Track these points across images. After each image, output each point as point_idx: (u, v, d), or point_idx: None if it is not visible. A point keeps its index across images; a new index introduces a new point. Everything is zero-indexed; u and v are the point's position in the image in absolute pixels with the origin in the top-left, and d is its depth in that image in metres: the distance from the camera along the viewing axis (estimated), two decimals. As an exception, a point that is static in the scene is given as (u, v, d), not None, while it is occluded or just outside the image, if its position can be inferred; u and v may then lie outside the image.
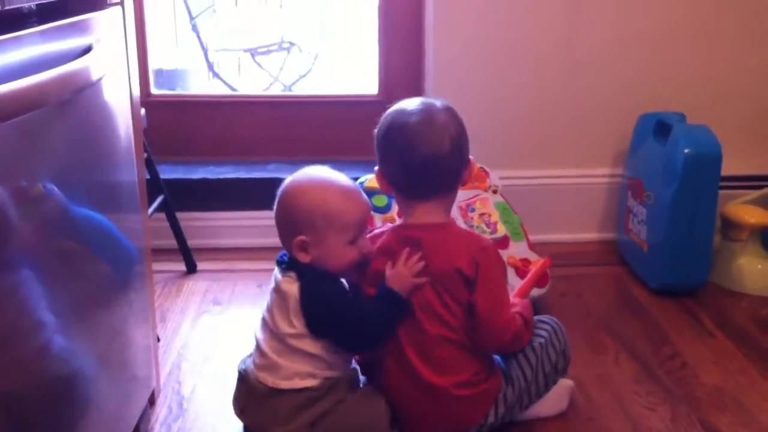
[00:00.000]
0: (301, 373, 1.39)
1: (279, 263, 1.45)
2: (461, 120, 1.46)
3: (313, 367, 1.39)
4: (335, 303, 1.41)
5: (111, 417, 1.27)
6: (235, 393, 1.46)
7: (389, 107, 1.49)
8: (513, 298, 1.51)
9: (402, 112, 1.45)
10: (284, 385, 1.39)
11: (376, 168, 1.49)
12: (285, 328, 1.39)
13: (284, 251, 1.45)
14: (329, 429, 1.39)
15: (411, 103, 1.46)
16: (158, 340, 1.68)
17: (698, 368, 1.71)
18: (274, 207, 1.45)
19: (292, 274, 1.41)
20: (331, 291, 1.42)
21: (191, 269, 2.17)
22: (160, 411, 1.55)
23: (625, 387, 1.64)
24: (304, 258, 1.41)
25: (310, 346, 1.39)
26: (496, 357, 1.51)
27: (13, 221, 0.94)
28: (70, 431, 1.11)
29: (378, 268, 1.45)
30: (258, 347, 1.43)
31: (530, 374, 1.49)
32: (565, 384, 1.57)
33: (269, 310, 1.42)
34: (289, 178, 1.46)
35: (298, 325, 1.38)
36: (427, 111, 1.43)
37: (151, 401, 1.54)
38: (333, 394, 1.40)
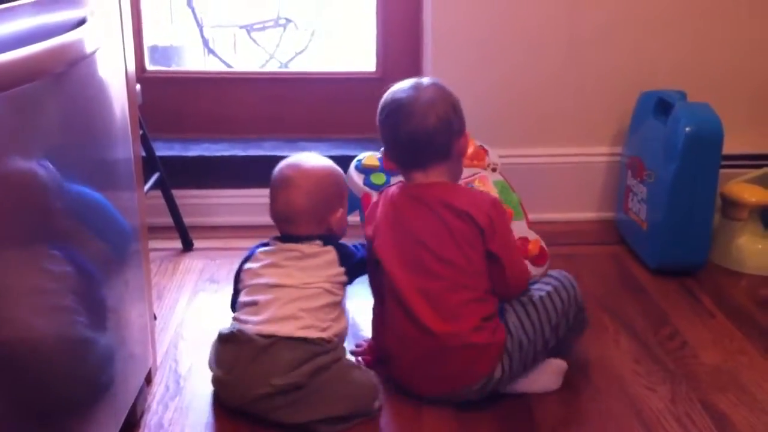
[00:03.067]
0: (315, 326, 1.45)
1: (291, 239, 1.56)
2: (449, 94, 1.57)
3: (326, 321, 1.47)
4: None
5: (109, 394, 1.26)
6: (217, 356, 1.49)
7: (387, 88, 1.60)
8: None
9: (393, 92, 1.57)
10: (299, 333, 1.43)
11: (382, 149, 1.62)
12: (311, 276, 1.50)
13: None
14: (323, 384, 1.43)
15: (402, 83, 1.58)
16: (155, 318, 1.67)
17: (698, 348, 1.71)
18: (296, 196, 1.56)
19: (317, 241, 1.55)
20: (359, 249, 1.62)
21: (187, 247, 2.15)
22: (157, 389, 1.54)
23: (625, 367, 1.64)
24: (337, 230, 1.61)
25: (336, 290, 1.52)
26: None
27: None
28: (67, 410, 1.10)
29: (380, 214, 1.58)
30: (260, 305, 1.48)
31: (530, 328, 1.51)
32: (558, 364, 1.58)
33: (283, 275, 1.50)
34: (301, 165, 1.60)
35: (330, 275, 1.52)
36: (414, 88, 1.56)
37: (148, 380, 1.53)
38: (335, 351, 1.46)
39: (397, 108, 1.54)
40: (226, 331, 1.49)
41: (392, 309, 1.53)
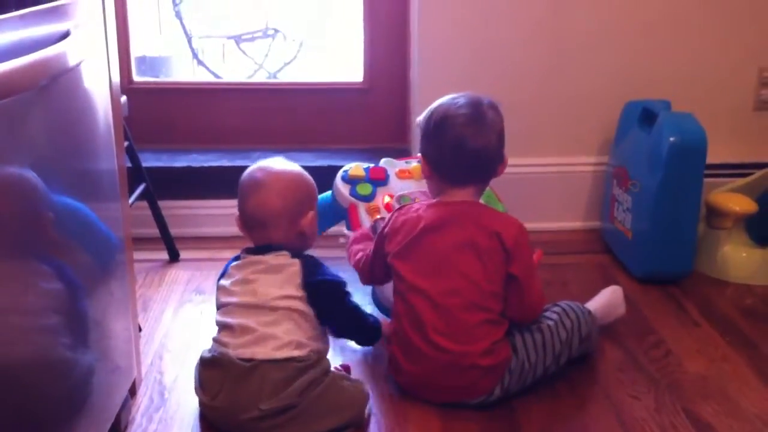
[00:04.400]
0: (292, 342, 1.43)
1: (258, 250, 1.53)
2: (501, 116, 1.58)
3: (303, 337, 1.44)
4: (339, 285, 1.53)
5: (92, 407, 1.26)
6: (201, 381, 1.47)
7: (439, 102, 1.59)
8: None
9: (449, 106, 1.57)
10: (278, 354, 1.41)
11: (419, 153, 1.61)
12: (276, 292, 1.45)
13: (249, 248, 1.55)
14: (316, 399, 1.42)
15: (454, 98, 1.58)
16: (140, 329, 1.67)
17: (683, 357, 1.71)
18: (268, 198, 1.53)
19: (285, 252, 1.50)
20: (332, 273, 1.53)
21: (174, 258, 2.15)
22: (142, 401, 1.54)
23: (609, 375, 1.64)
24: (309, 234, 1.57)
25: (302, 306, 1.46)
26: None
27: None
28: (51, 421, 1.10)
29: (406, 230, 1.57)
30: (235, 329, 1.45)
31: (533, 352, 1.54)
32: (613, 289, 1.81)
33: (249, 292, 1.47)
34: (271, 169, 1.58)
35: (292, 290, 1.46)
36: (475, 106, 1.56)
37: (132, 391, 1.52)
38: (320, 365, 1.45)
39: (462, 123, 1.54)
40: (207, 355, 1.47)
41: (402, 320, 1.54)
